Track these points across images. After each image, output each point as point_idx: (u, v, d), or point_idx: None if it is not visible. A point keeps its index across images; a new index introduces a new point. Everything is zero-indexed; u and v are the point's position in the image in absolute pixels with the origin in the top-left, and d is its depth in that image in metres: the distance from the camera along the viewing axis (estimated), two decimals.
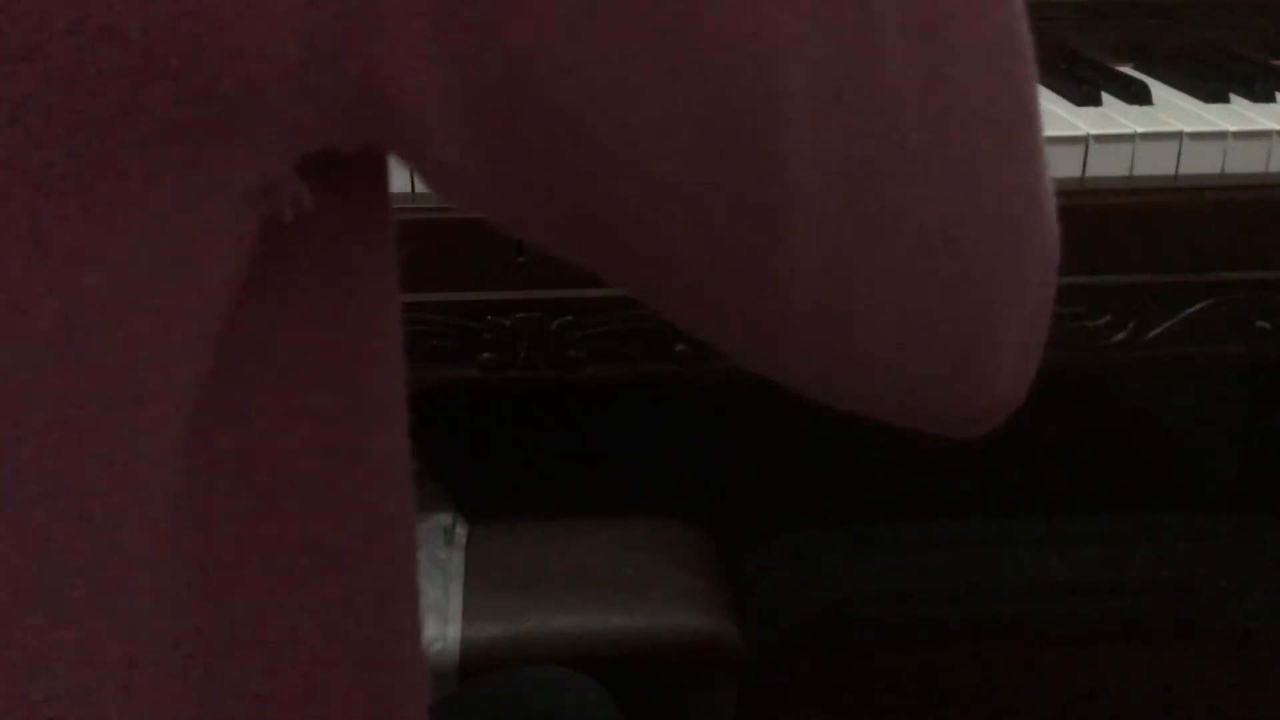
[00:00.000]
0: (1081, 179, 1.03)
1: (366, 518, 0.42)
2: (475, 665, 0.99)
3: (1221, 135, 1.04)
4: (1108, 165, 1.03)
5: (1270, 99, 1.11)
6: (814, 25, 0.34)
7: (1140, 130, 1.04)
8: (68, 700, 0.35)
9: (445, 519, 1.13)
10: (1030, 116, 0.39)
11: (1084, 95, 1.10)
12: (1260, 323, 1.06)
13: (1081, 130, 1.03)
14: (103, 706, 0.36)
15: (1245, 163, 1.04)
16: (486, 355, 1.01)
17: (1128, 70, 1.20)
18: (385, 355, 0.42)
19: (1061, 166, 1.02)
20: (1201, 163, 1.04)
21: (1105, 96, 1.11)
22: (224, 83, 0.31)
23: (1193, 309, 1.05)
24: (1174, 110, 1.09)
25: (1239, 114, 1.08)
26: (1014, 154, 0.38)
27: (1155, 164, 1.04)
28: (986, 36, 0.37)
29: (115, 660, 0.36)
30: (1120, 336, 1.05)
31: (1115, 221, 1.03)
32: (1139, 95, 1.11)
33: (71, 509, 0.34)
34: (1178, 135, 1.04)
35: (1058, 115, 1.07)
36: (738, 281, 0.37)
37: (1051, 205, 0.41)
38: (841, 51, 0.34)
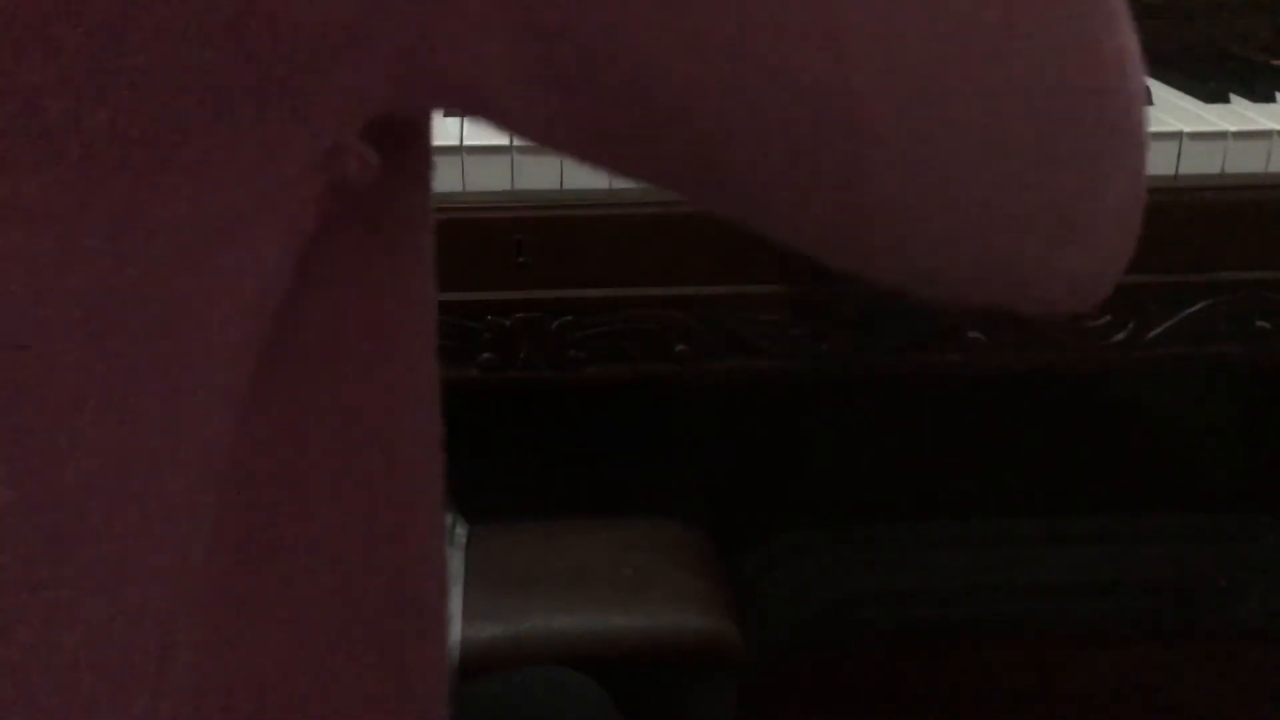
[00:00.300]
0: None
1: (396, 505, 0.42)
2: (475, 665, 0.99)
3: (1221, 135, 1.04)
4: None
5: (1270, 99, 1.11)
6: None
7: None
8: (102, 677, 0.35)
9: (445, 519, 1.12)
10: None
11: None
12: (1260, 323, 1.06)
13: None
14: (135, 690, 0.35)
15: (1245, 163, 1.04)
16: (486, 355, 1.01)
17: None
18: (421, 348, 0.42)
19: None
20: (1201, 163, 1.04)
21: None
22: (277, 47, 0.31)
23: (1193, 309, 1.05)
24: (1174, 110, 1.09)
25: (1239, 114, 1.08)
26: (1094, 13, 0.38)
27: (1155, 164, 1.04)
28: None
29: (151, 644, 0.36)
30: (1120, 336, 1.05)
31: None
32: None
33: (112, 477, 0.34)
34: (1178, 135, 1.04)
35: None
36: (822, 193, 0.37)
37: (1138, 72, 0.40)
38: None
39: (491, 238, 0.98)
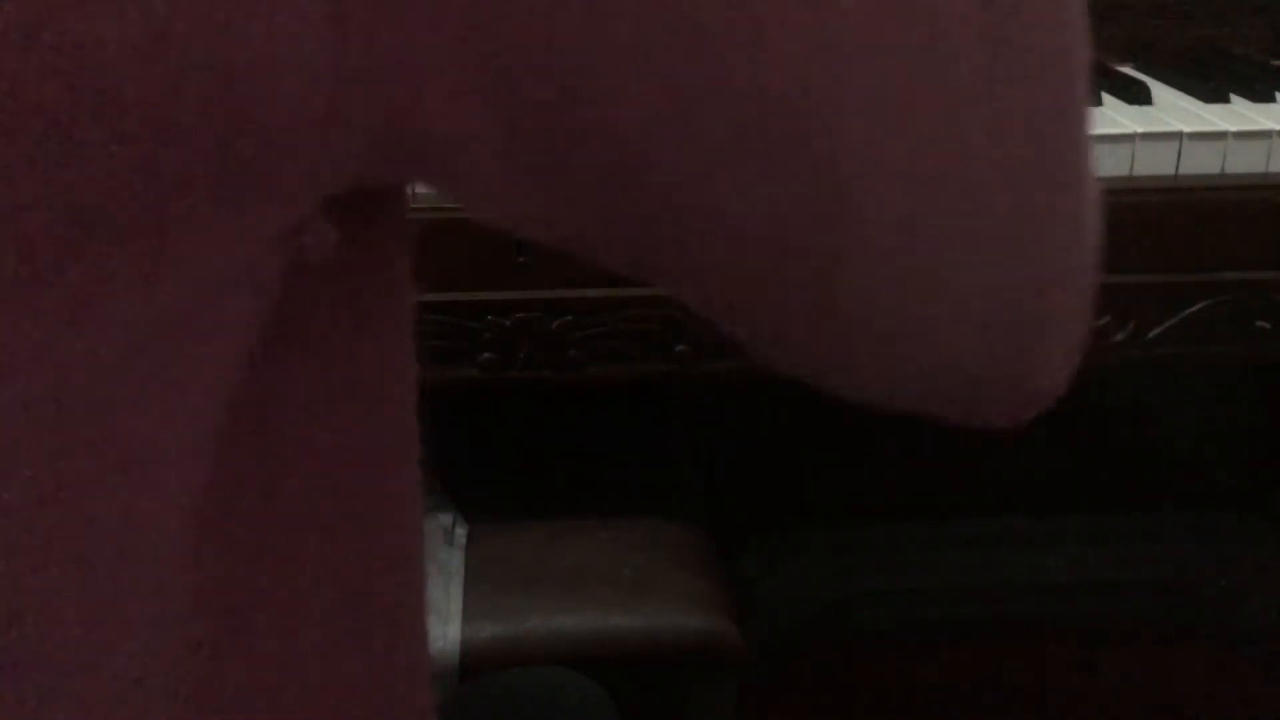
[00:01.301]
0: None
1: (378, 552, 0.42)
2: (475, 665, 0.99)
3: (1221, 135, 1.04)
4: (1108, 165, 1.03)
5: (1270, 99, 1.11)
6: (876, 41, 0.33)
7: (1140, 130, 1.04)
8: (79, 705, 0.34)
9: (445, 519, 1.12)
10: (1081, 74, 0.38)
11: None
12: (1260, 323, 1.06)
13: None
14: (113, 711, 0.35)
15: (1245, 163, 1.04)
16: (486, 355, 1.01)
17: (1128, 70, 1.20)
18: (399, 393, 0.42)
19: None
20: (1201, 163, 1.04)
21: (1105, 96, 1.11)
22: (243, 139, 0.29)
23: (1193, 309, 1.05)
24: (1174, 110, 1.09)
25: (1239, 114, 1.08)
26: (1069, 138, 0.38)
27: (1155, 164, 1.04)
28: (1045, 37, 0.36)
29: (128, 681, 0.36)
30: (1120, 336, 1.05)
31: (1115, 221, 1.02)
32: (1139, 95, 1.11)
33: (75, 572, 0.33)
34: (1178, 135, 1.04)
35: None
36: (787, 288, 0.37)
37: (1095, 186, 0.40)
38: (903, 66, 0.33)
39: (491, 238, 0.98)
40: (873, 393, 0.42)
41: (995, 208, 0.37)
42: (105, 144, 0.28)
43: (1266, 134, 1.04)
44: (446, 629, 1.01)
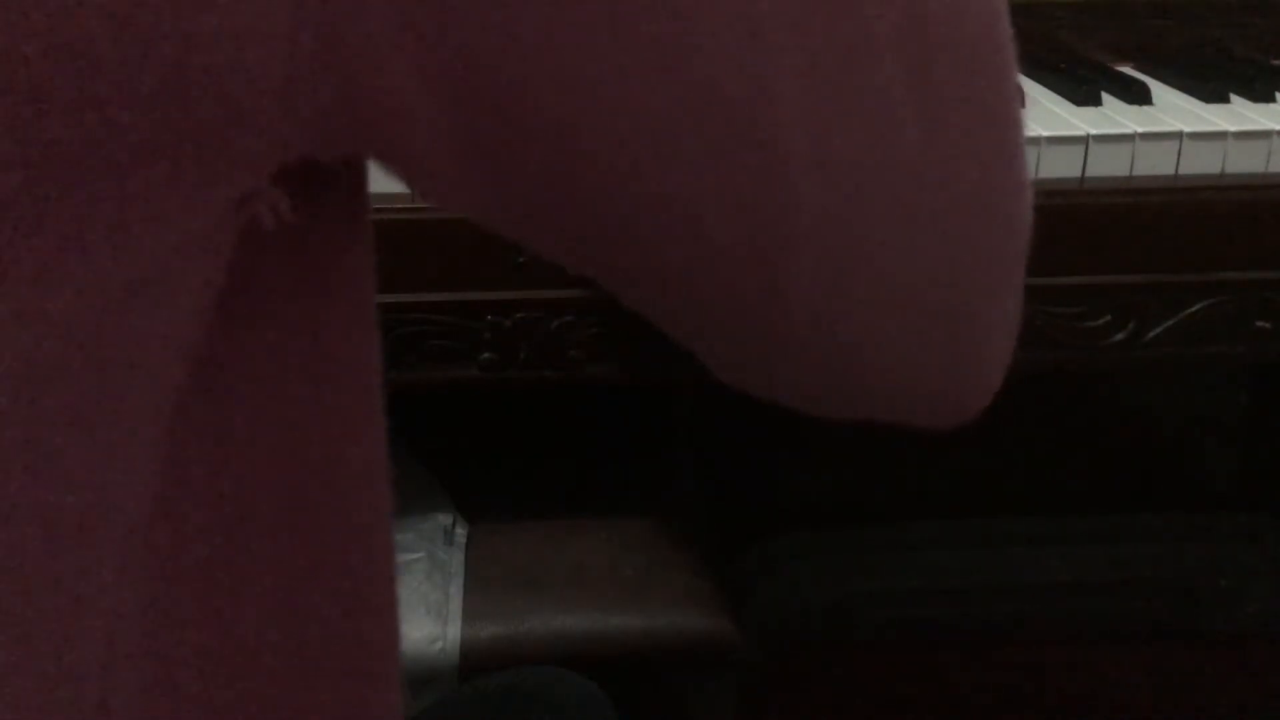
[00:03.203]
0: (1081, 179, 1.03)
1: (341, 530, 0.42)
2: (475, 665, 0.99)
3: (1221, 135, 1.04)
4: (1108, 165, 1.03)
5: (1270, 99, 1.11)
6: (806, 33, 0.34)
7: (1140, 130, 1.04)
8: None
9: (445, 519, 1.13)
10: (1011, 101, 0.39)
11: (1084, 95, 1.10)
12: (1260, 323, 1.06)
13: (1081, 130, 1.03)
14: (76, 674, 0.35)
15: (1245, 163, 1.04)
16: (486, 355, 1.01)
17: (1128, 70, 1.20)
18: (361, 367, 0.42)
19: (1061, 166, 1.02)
20: (1201, 163, 1.04)
21: (1105, 96, 1.11)
22: (204, 105, 0.30)
23: (1193, 309, 1.05)
24: (1174, 110, 1.09)
25: (1239, 114, 1.08)
26: (1000, 143, 0.39)
27: (1155, 164, 1.04)
28: (971, 34, 0.37)
29: (88, 676, 0.35)
30: (1120, 336, 1.05)
31: (1115, 221, 1.03)
32: (1139, 95, 1.11)
33: (41, 534, 0.33)
34: (1178, 135, 1.04)
35: (1058, 115, 1.07)
36: (737, 291, 0.37)
37: (1028, 186, 0.41)
38: (835, 55, 0.34)
39: (491, 238, 0.98)
40: (826, 406, 0.42)
41: (935, 203, 0.37)
42: (77, 106, 0.29)
43: (1266, 134, 1.04)
44: (446, 629, 1.01)
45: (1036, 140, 1.02)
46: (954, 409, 0.44)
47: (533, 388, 1.03)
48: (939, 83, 0.36)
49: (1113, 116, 1.07)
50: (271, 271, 0.37)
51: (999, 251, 0.40)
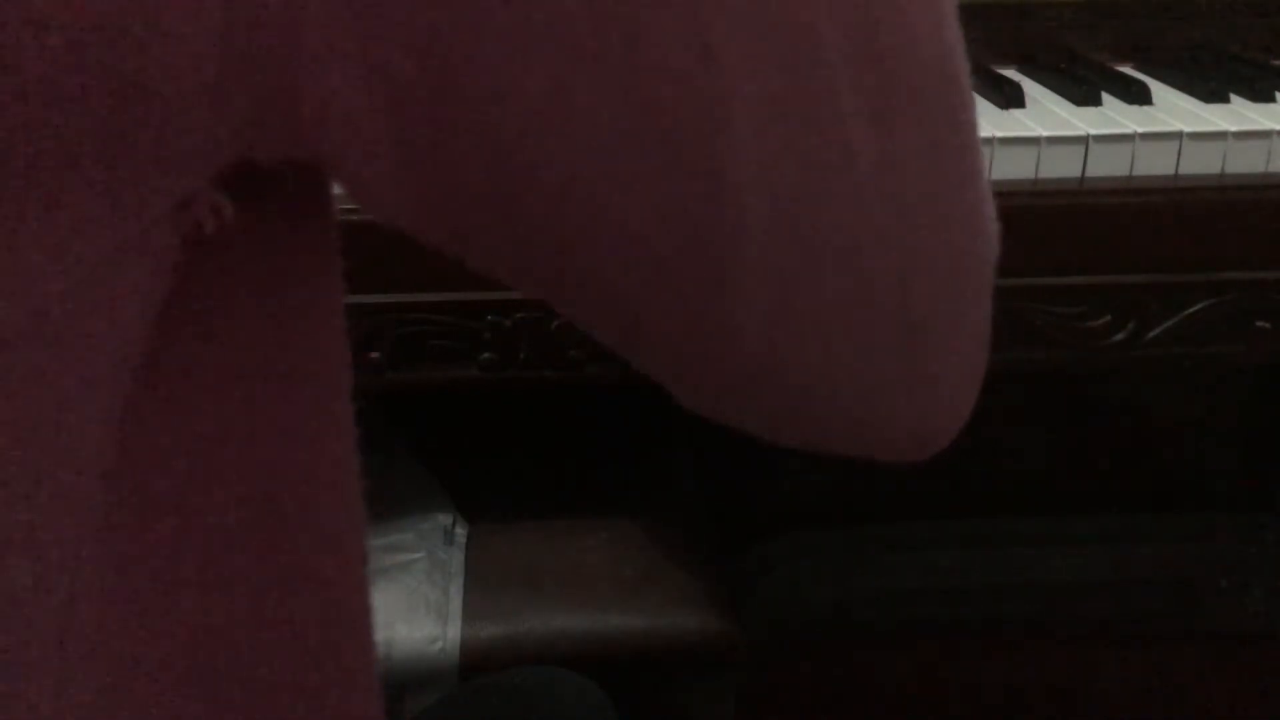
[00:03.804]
0: (1081, 179, 1.03)
1: (311, 537, 0.41)
2: (475, 665, 0.99)
3: (1221, 135, 1.04)
4: (1108, 165, 1.03)
5: (1270, 99, 1.11)
6: (759, 57, 0.33)
7: (1140, 130, 1.04)
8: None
9: (445, 519, 1.13)
10: (969, 132, 0.38)
11: (1084, 95, 1.10)
12: (1260, 323, 1.06)
13: (1081, 130, 1.03)
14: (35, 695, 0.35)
15: (1245, 163, 1.04)
16: (486, 355, 1.01)
17: (1128, 70, 1.20)
18: (329, 371, 0.41)
19: (1061, 166, 1.02)
20: (1201, 163, 1.04)
21: (1105, 96, 1.11)
22: (135, 105, 0.30)
23: (1193, 309, 1.05)
24: (1174, 110, 1.09)
25: (1239, 114, 1.08)
26: (956, 176, 0.38)
27: (1155, 164, 1.04)
28: (925, 65, 0.36)
29: (48, 693, 0.35)
30: (1120, 336, 1.05)
31: (1115, 221, 1.03)
32: (1139, 95, 1.11)
33: None
34: (1178, 135, 1.04)
35: (1058, 115, 1.07)
36: (685, 317, 0.37)
37: (991, 225, 0.41)
38: (787, 80, 0.34)
39: None
40: (787, 436, 0.42)
41: (888, 232, 0.37)
42: (5, 102, 0.29)
43: (1266, 134, 1.04)
44: (446, 629, 1.01)
45: (1036, 140, 1.02)
46: (916, 441, 0.43)
47: (533, 388, 1.03)
48: (894, 111, 0.36)
49: (1113, 116, 1.07)
50: (228, 276, 0.37)
51: (958, 281, 0.39)
